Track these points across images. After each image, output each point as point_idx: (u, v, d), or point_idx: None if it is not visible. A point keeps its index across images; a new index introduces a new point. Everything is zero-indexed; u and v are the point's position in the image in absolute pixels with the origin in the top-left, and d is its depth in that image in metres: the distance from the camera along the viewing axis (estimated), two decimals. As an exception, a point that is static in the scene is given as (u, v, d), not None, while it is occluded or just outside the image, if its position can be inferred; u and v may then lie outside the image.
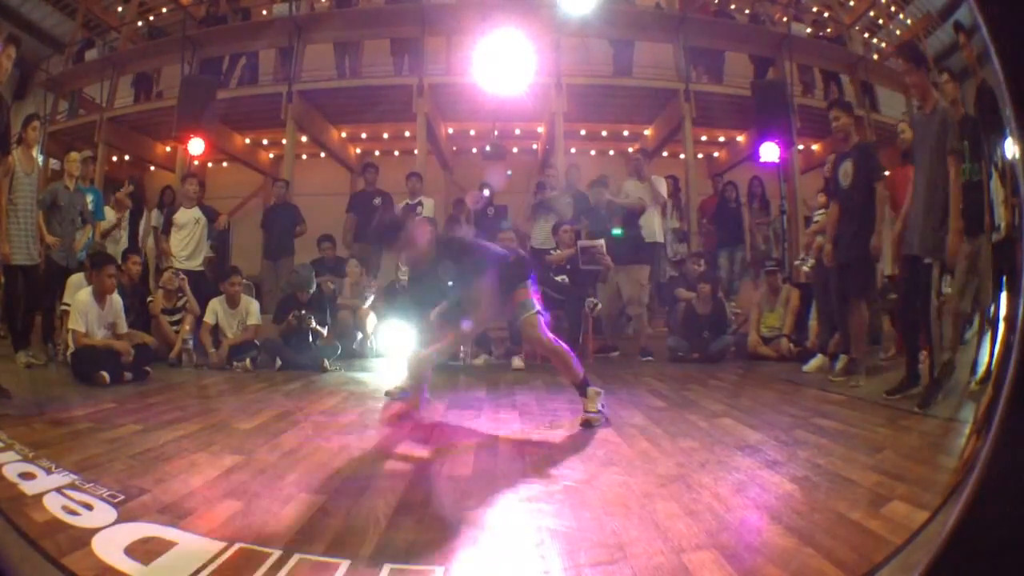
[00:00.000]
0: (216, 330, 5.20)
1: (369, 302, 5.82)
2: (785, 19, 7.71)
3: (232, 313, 5.22)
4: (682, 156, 7.38)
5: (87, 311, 4.20)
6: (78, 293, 4.30)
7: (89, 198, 5.15)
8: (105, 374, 3.98)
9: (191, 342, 5.03)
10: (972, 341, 3.00)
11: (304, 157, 7.92)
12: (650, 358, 5.54)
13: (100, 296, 4.28)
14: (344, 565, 1.45)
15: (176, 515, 1.72)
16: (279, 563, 1.46)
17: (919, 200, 3.42)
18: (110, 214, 5.89)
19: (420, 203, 6.46)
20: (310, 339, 5.13)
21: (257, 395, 3.86)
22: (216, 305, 5.20)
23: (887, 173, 4.21)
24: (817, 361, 4.57)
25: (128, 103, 7.60)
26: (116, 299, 4.41)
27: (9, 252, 4.13)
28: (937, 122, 3.39)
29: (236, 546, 1.54)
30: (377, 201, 6.68)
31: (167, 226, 5.92)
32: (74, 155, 4.99)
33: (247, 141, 8.15)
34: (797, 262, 5.51)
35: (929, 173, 3.37)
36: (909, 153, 4.11)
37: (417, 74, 7.26)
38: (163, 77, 7.71)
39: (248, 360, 4.99)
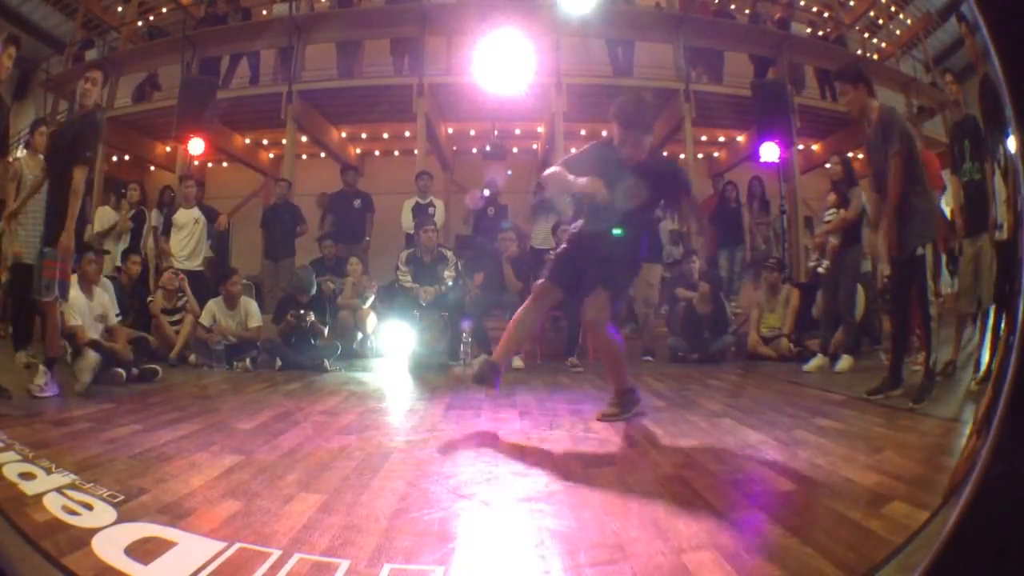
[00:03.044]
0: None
1: (369, 302, 5.82)
2: (785, 18, 7.70)
3: (230, 314, 5.22)
4: (682, 156, 7.37)
5: (78, 306, 4.20)
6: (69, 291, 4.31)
7: None
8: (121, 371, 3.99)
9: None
10: (972, 341, 3.00)
11: (304, 157, 7.92)
12: (650, 358, 5.54)
13: (86, 287, 4.28)
14: (344, 565, 1.45)
15: (176, 515, 1.72)
16: (279, 563, 1.46)
17: (901, 210, 3.23)
18: (109, 215, 5.91)
19: (431, 203, 6.45)
20: (310, 339, 5.13)
21: (257, 395, 3.86)
22: (213, 306, 5.20)
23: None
24: (817, 361, 4.57)
25: (128, 103, 7.60)
26: (101, 291, 4.40)
27: (21, 251, 4.16)
28: (880, 128, 3.28)
29: (236, 546, 1.54)
30: (357, 203, 6.67)
31: (167, 226, 5.93)
32: None
33: (247, 141, 8.15)
34: (811, 263, 5.48)
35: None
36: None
37: (417, 74, 7.25)
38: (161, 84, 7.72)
39: (248, 360, 4.99)
